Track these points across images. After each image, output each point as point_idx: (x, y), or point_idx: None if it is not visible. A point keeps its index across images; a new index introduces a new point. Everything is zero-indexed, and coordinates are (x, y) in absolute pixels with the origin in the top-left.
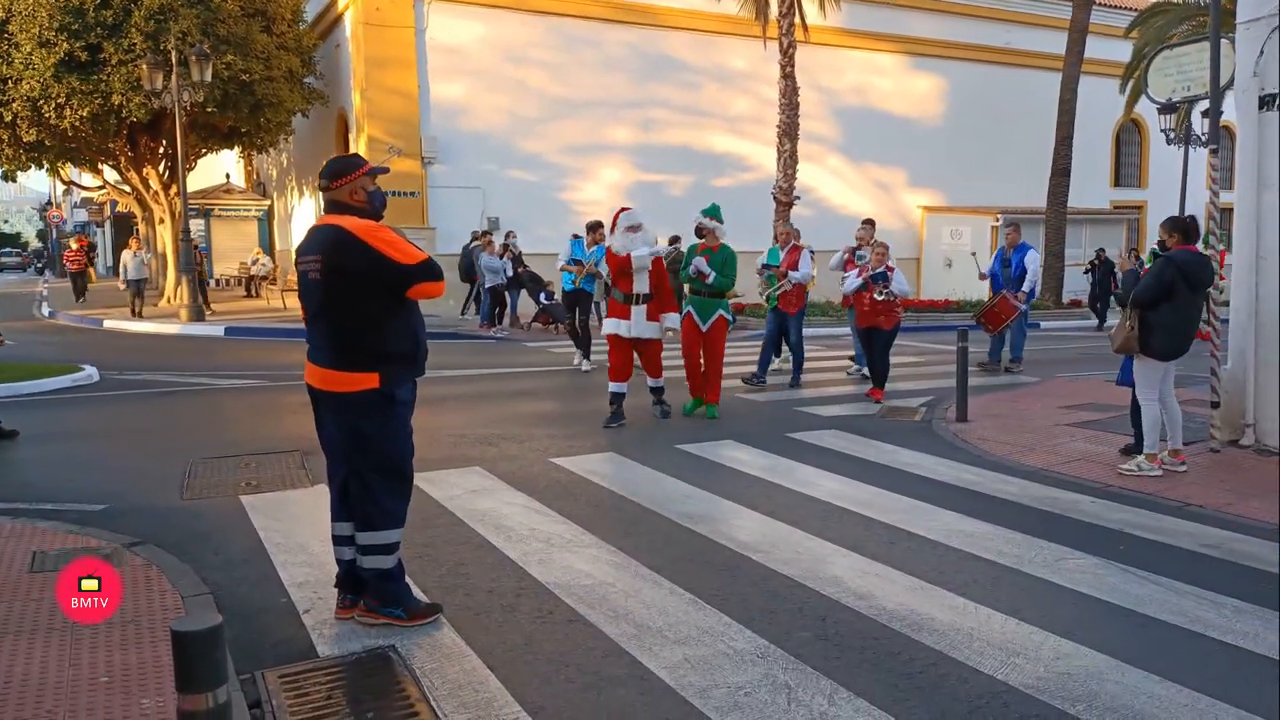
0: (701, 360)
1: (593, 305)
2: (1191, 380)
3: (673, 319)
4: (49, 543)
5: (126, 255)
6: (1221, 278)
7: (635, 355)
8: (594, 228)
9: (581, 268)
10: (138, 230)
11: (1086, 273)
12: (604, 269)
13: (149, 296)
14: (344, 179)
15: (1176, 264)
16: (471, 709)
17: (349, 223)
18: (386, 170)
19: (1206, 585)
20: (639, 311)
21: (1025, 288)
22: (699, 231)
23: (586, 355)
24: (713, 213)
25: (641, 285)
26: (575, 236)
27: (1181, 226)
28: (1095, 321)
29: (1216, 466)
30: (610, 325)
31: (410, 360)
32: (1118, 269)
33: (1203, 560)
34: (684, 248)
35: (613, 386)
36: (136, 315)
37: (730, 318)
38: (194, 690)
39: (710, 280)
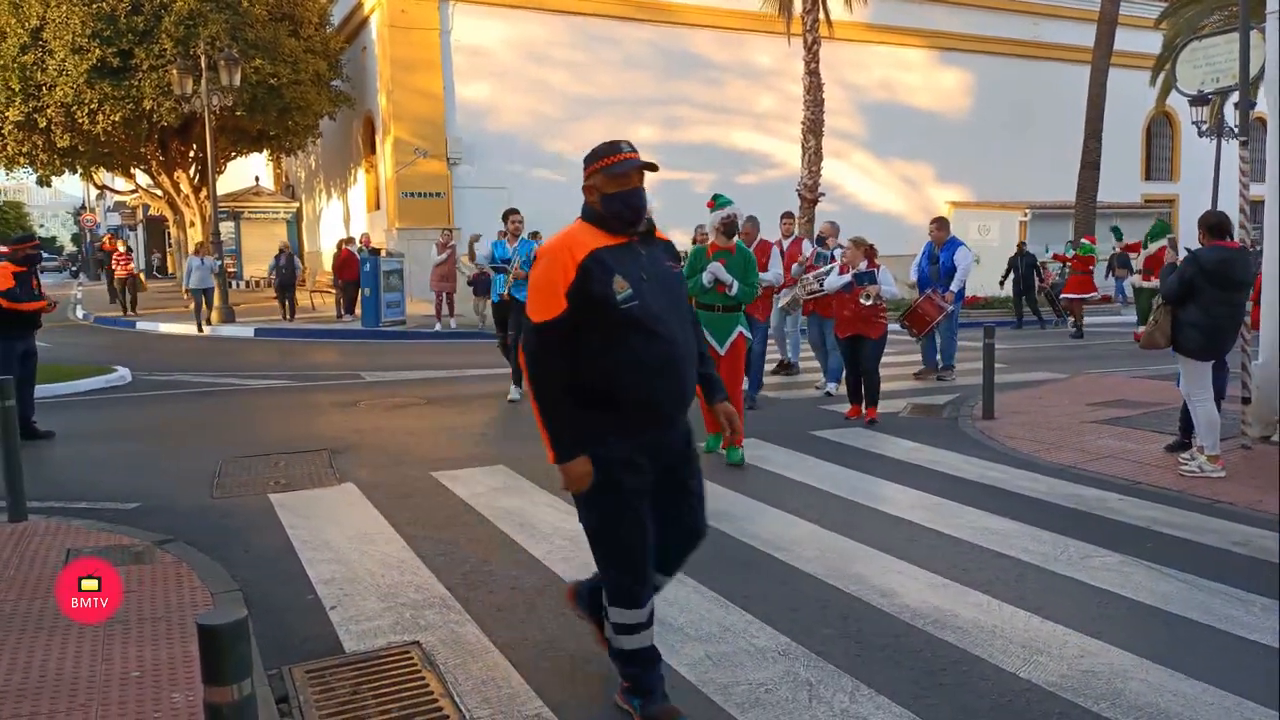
0: None
1: None
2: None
3: None
4: (83, 540)
5: (193, 261)
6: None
7: None
8: (507, 215)
9: (507, 270)
10: (168, 232)
11: (1006, 275)
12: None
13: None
14: (586, 169)
15: (1198, 262)
16: (494, 704)
17: (562, 233)
18: (645, 167)
19: (1234, 583)
20: None
21: (954, 286)
22: (728, 229)
23: (518, 382)
24: (729, 204)
25: None
26: (501, 235)
27: (1207, 222)
28: (1015, 321)
29: (1247, 463)
30: None
31: (606, 407)
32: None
33: (1231, 557)
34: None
35: None
36: (200, 329)
37: (748, 335)
38: (220, 682)
39: (733, 291)
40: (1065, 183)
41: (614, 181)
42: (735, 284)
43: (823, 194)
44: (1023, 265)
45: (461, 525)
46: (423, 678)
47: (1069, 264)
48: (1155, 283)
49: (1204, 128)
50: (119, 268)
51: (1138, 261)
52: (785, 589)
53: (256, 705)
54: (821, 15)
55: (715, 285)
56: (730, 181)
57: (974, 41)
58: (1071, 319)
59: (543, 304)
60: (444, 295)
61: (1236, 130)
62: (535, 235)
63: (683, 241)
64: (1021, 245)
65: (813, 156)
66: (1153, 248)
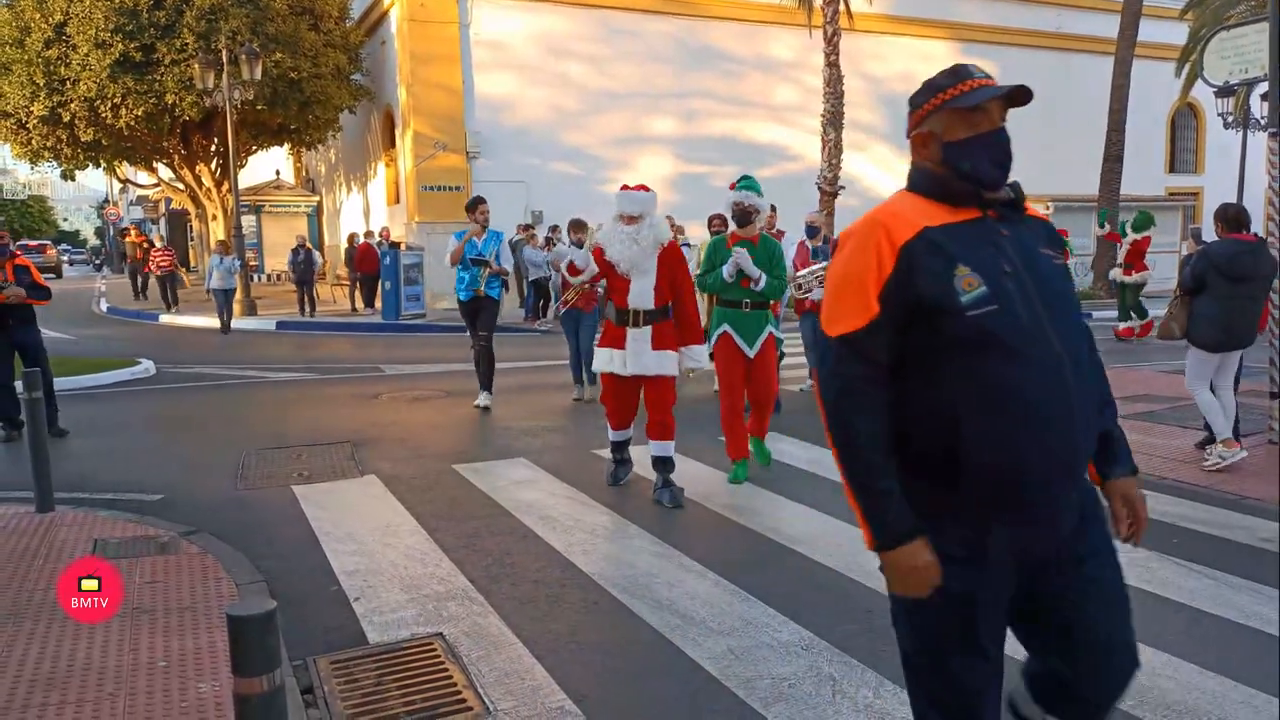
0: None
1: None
2: (1249, 371)
3: (698, 354)
4: (109, 531)
5: (213, 261)
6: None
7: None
8: (472, 205)
9: (486, 266)
10: (190, 226)
11: None
12: (507, 264)
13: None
14: (917, 111)
15: (1209, 255)
16: (517, 696)
17: (876, 208)
18: (1013, 97)
19: (1262, 580)
20: (638, 337)
21: None
22: (741, 217)
23: (487, 386)
24: (752, 187)
25: (643, 298)
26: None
27: (1224, 215)
28: None
29: (1275, 459)
30: (600, 358)
31: (937, 475)
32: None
33: (1258, 554)
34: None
35: (613, 434)
36: (225, 329)
37: (779, 335)
38: (249, 674)
39: (760, 286)
40: (1089, 175)
41: (964, 122)
42: (763, 277)
43: (843, 187)
44: None
45: (483, 518)
46: (446, 669)
47: None
48: (1136, 277)
49: (1230, 119)
50: (157, 266)
51: (1120, 254)
52: (807, 583)
53: (285, 696)
54: (842, 7)
55: (740, 279)
56: (750, 174)
57: (996, 33)
58: None
59: (843, 308)
60: None
61: (1264, 122)
62: (529, 229)
63: (699, 235)
64: None
65: (833, 149)
66: (1134, 239)
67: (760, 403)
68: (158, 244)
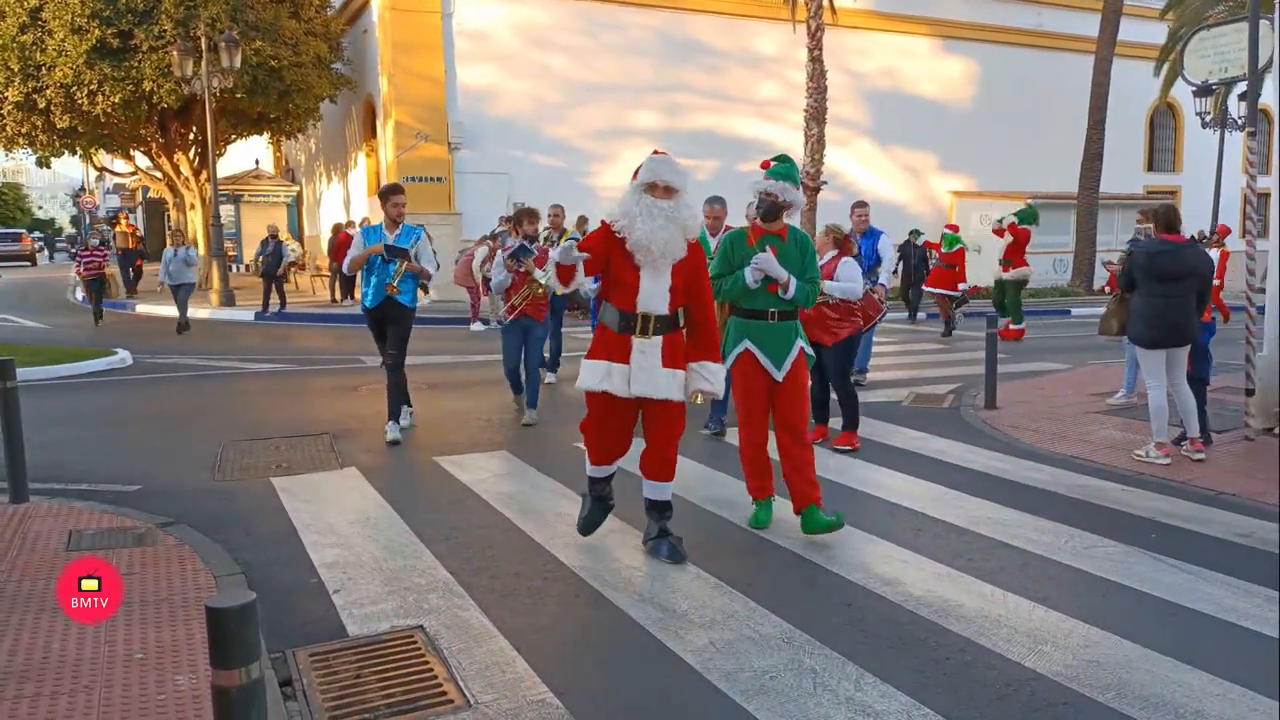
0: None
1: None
2: (1226, 368)
3: (715, 374)
4: (84, 522)
5: (167, 253)
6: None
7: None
8: (387, 193)
9: (404, 258)
10: (167, 218)
11: (895, 266)
12: (429, 265)
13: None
14: None
15: (1133, 254)
16: (499, 689)
17: None
18: None
19: (1238, 574)
20: (647, 349)
21: (883, 278)
22: (767, 211)
23: (395, 415)
24: (789, 174)
25: (656, 300)
26: (365, 222)
27: (1154, 215)
28: (906, 314)
29: (1250, 455)
30: (593, 374)
31: None
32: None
33: (1235, 549)
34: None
35: (592, 469)
36: (181, 329)
37: (810, 352)
38: (228, 666)
39: (790, 294)
40: (1068, 173)
41: None
42: (792, 282)
43: (825, 182)
44: (915, 256)
45: (464, 510)
46: (426, 662)
47: (938, 254)
48: (1014, 273)
49: (1208, 119)
50: (84, 267)
51: (1000, 250)
52: (788, 576)
53: (265, 688)
54: (825, 2)
55: (767, 283)
56: (732, 169)
57: (978, 30)
58: (942, 315)
59: None
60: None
61: (1241, 122)
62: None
63: None
64: (913, 234)
65: (815, 145)
66: (1011, 222)
67: (791, 448)
68: (93, 240)
